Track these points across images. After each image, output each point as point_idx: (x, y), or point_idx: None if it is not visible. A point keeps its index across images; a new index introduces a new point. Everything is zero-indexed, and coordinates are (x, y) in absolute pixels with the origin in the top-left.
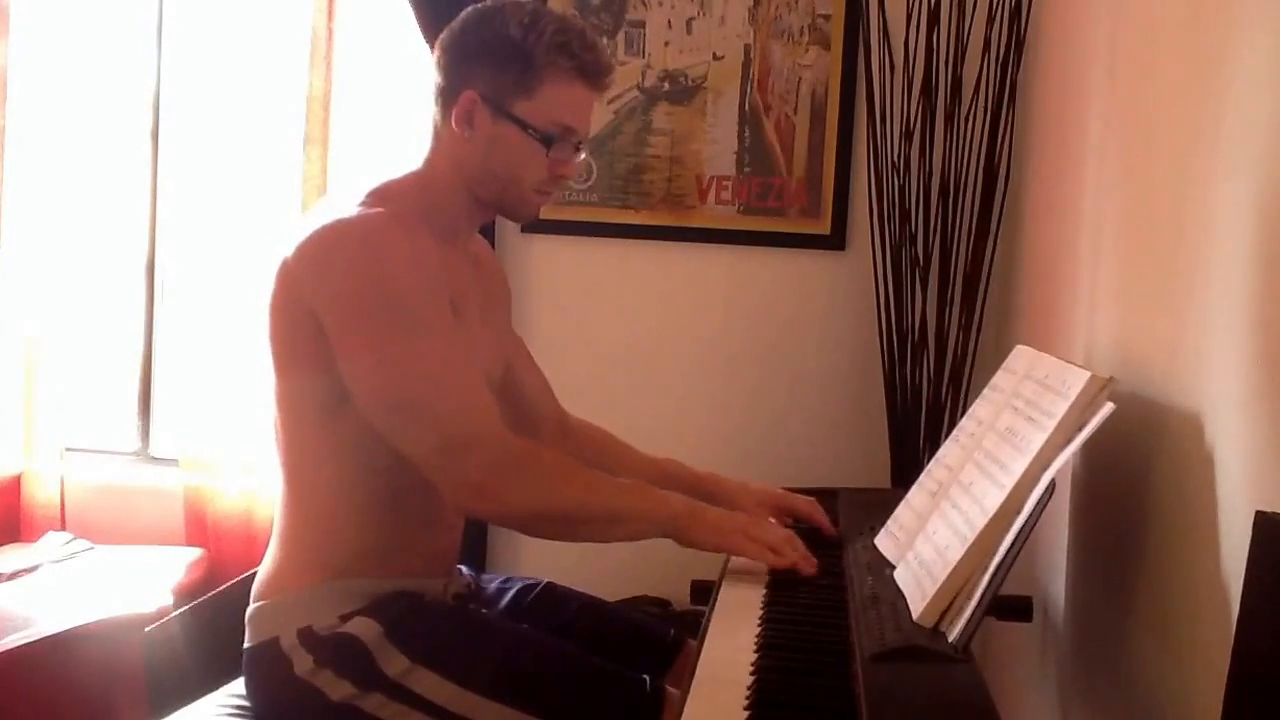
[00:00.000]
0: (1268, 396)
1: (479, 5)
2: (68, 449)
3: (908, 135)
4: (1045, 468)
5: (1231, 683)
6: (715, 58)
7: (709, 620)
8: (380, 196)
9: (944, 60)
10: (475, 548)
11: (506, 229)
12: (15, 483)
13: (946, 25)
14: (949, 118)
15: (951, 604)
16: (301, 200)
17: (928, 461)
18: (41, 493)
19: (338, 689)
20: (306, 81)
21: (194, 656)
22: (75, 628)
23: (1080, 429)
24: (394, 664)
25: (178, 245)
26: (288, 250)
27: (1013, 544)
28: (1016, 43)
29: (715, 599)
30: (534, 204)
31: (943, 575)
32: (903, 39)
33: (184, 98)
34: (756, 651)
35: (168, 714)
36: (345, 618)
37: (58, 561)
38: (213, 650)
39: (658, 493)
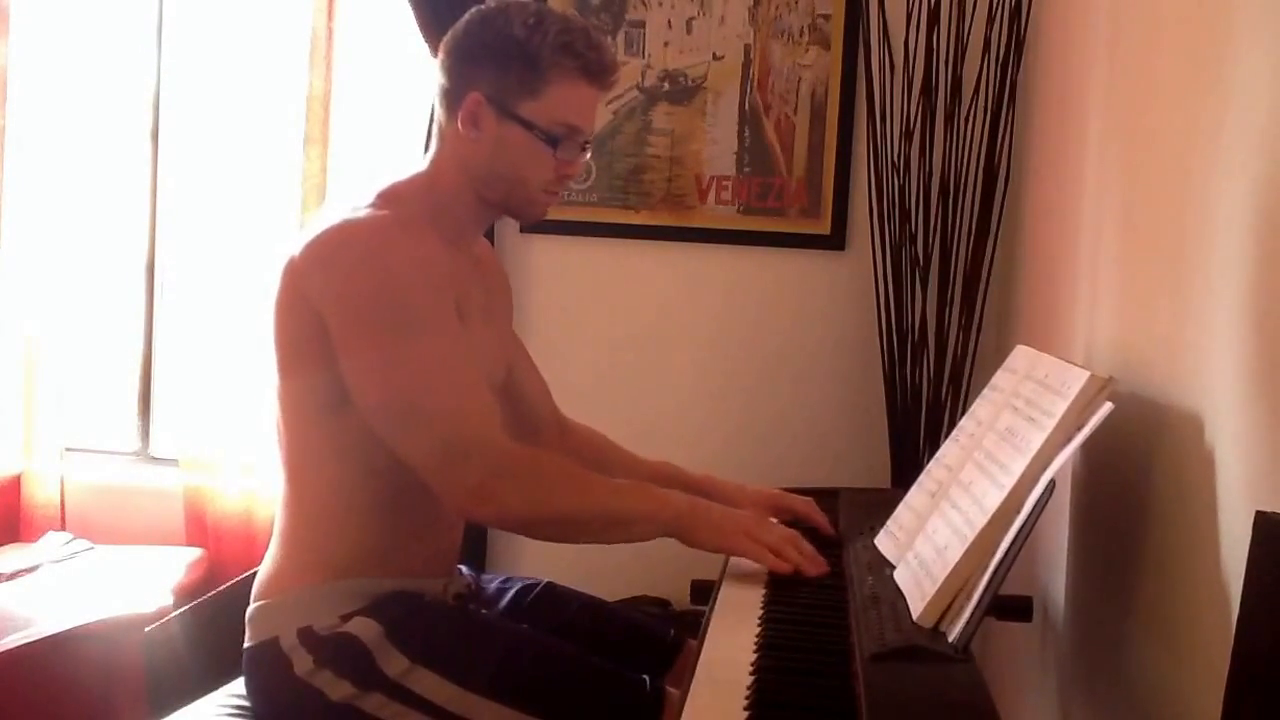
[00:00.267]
0: (1268, 396)
1: (482, 7)
2: (68, 449)
3: (908, 135)
4: (1045, 467)
5: (1231, 683)
6: (715, 58)
7: (709, 620)
8: (387, 199)
9: (944, 60)
10: (475, 548)
11: (506, 229)
12: (15, 483)
13: (946, 25)
14: (949, 118)
15: (951, 604)
16: (301, 200)
17: (928, 461)
18: (41, 493)
19: (338, 689)
20: (306, 81)
21: (194, 656)
22: (75, 628)
23: (1080, 429)
24: (394, 664)
25: (178, 245)
26: (294, 250)
27: (1013, 544)
28: (1016, 43)
29: (715, 599)
30: (541, 204)
31: (943, 575)
32: (903, 39)
33: (184, 98)
34: (756, 651)
35: (168, 714)
36: (345, 618)
37: (58, 561)
38: (213, 650)
39: (660, 492)
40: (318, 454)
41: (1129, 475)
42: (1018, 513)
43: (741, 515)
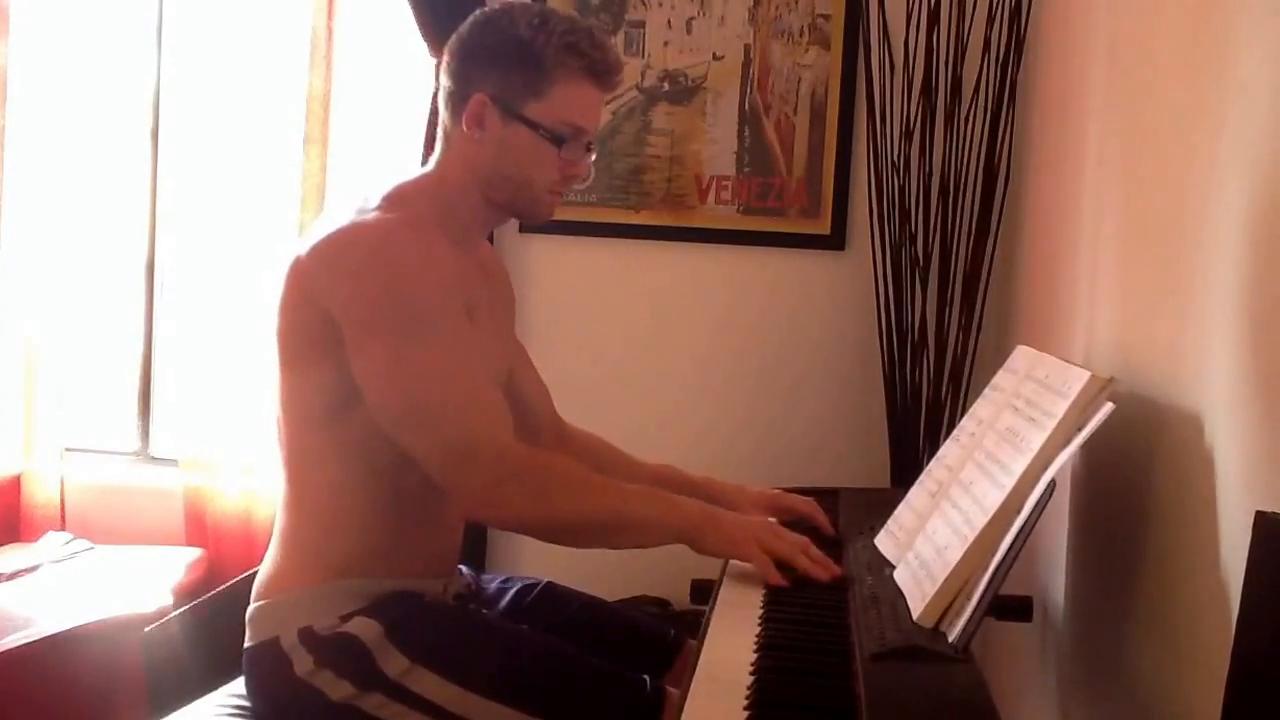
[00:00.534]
0: (1268, 396)
1: (487, 9)
2: (68, 449)
3: (908, 135)
4: (1045, 467)
5: (1231, 683)
6: (715, 58)
7: (709, 620)
8: (393, 201)
9: (944, 60)
10: (475, 548)
11: (505, 229)
12: (15, 483)
13: (946, 25)
14: (949, 118)
15: (951, 604)
16: (301, 200)
17: (928, 461)
18: (41, 493)
19: (338, 689)
20: (306, 81)
21: (194, 656)
22: (75, 628)
23: (1080, 429)
24: (394, 664)
25: (177, 245)
26: (300, 250)
27: (1013, 544)
28: (1016, 43)
29: (715, 599)
30: (547, 205)
31: (942, 575)
32: (903, 39)
33: (184, 98)
34: (756, 651)
35: (168, 714)
36: (345, 618)
37: (58, 561)
38: (212, 650)
39: (671, 498)
40: (319, 454)
41: (1129, 475)
42: (1018, 513)
43: (752, 522)
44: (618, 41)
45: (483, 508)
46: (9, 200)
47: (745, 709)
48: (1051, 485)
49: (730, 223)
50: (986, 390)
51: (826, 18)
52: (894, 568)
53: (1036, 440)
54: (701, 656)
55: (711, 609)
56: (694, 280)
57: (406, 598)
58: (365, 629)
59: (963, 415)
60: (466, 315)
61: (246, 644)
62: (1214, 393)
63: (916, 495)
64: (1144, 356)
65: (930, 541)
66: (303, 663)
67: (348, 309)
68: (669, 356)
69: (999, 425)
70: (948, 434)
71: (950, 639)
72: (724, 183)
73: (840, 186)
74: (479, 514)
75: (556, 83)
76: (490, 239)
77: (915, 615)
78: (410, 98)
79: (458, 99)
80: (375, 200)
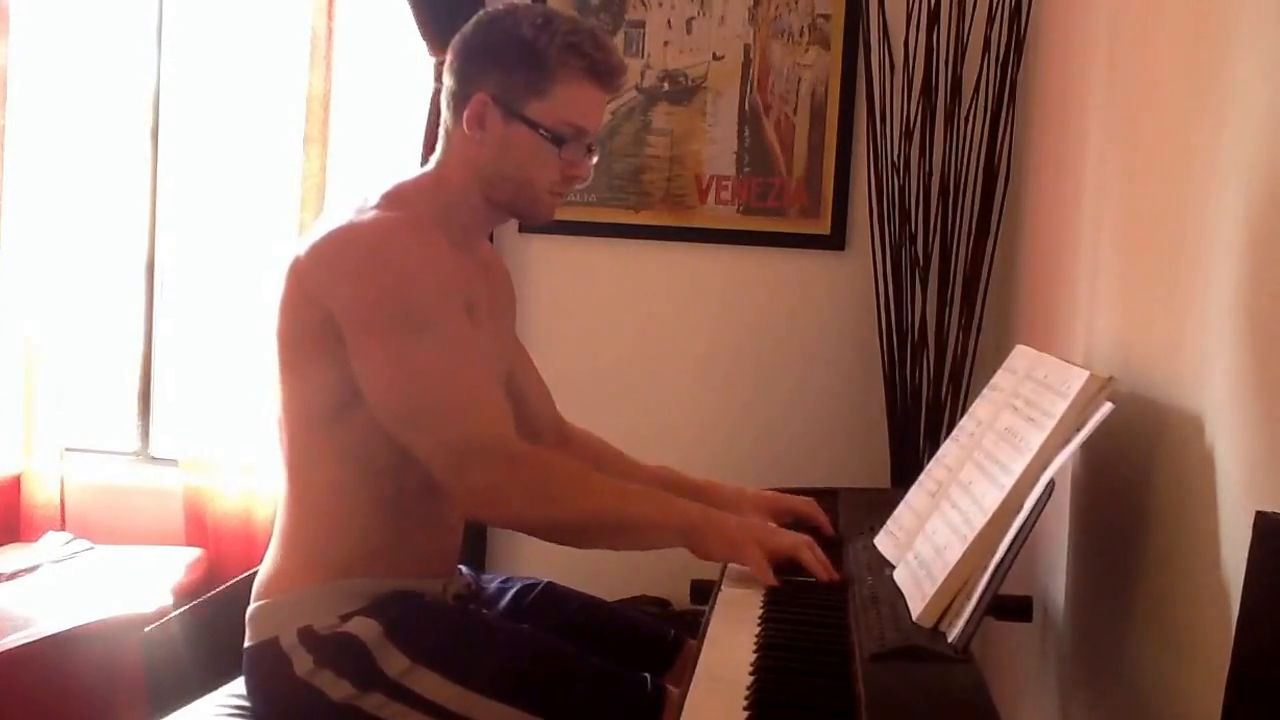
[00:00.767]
0: (1268, 396)
1: (489, 9)
2: (67, 449)
3: (908, 135)
4: (1045, 467)
5: (1231, 683)
6: (715, 58)
7: (709, 620)
8: (393, 200)
9: (944, 60)
10: (475, 548)
11: (505, 228)
12: (15, 483)
13: (946, 25)
14: (949, 118)
15: (951, 604)
16: (301, 200)
17: (928, 461)
18: (41, 493)
19: (338, 689)
20: (306, 81)
21: (194, 656)
22: (75, 628)
23: (1080, 429)
24: (394, 664)
25: (177, 245)
26: (300, 250)
27: (1012, 544)
28: (1016, 43)
29: (715, 599)
30: (547, 205)
31: (942, 575)
32: (903, 39)
33: (184, 97)
34: (756, 651)
35: (168, 714)
36: (345, 617)
37: (58, 561)
38: (212, 650)
39: (672, 500)
40: (319, 454)
41: (1129, 475)
42: (1017, 513)
43: (752, 524)
44: (618, 41)
45: (484, 507)
46: (9, 200)
47: (745, 709)
48: (1051, 485)
49: (730, 223)
50: (986, 390)
51: (826, 18)
52: (894, 568)
53: (1036, 440)
54: (701, 656)
55: (711, 609)
56: (694, 280)
57: (406, 597)
58: (365, 629)
59: (963, 415)
60: (467, 314)
61: (246, 644)
62: (1214, 393)
63: (916, 495)
64: (1144, 356)
65: (930, 541)
66: (303, 662)
67: (348, 308)
68: (669, 356)
69: (998, 425)
70: (948, 434)
71: (950, 639)
72: (724, 183)
73: (840, 186)
74: (480, 513)
75: (558, 82)
76: (490, 239)
77: (915, 615)
78: (410, 98)
79: (459, 98)
80: (375, 200)
